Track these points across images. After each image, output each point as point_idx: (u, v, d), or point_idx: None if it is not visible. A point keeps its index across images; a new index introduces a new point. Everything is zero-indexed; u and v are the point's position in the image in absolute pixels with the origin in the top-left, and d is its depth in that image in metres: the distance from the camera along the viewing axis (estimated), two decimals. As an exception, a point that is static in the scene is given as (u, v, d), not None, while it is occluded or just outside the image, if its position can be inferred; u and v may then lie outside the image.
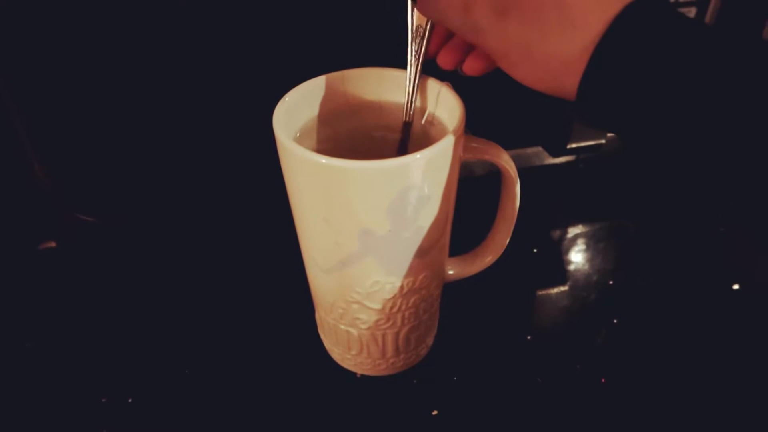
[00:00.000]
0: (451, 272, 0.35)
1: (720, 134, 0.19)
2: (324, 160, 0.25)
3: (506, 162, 0.31)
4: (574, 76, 0.22)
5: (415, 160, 0.25)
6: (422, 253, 0.29)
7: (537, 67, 0.23)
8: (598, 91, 0.21)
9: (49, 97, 0.38)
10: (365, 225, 0.27)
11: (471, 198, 0.36)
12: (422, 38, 0.29)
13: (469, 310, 0.40)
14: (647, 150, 0.22)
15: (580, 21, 0.21)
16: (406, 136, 0.31)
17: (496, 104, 0.45)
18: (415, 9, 0.29)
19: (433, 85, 0.31)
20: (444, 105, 0.30)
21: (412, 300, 0.31)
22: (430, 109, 0.31)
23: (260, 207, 0.44)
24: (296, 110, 0.30)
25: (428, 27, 0.29)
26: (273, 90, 0.30)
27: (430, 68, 0.30)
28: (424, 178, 0.26)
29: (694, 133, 0.20)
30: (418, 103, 0.32)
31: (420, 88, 0.31)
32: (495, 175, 0.32)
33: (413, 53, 0.30)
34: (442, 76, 0.30)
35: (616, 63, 0.21)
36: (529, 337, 0.39)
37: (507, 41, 0.23)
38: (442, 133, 0.29)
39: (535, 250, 0.45)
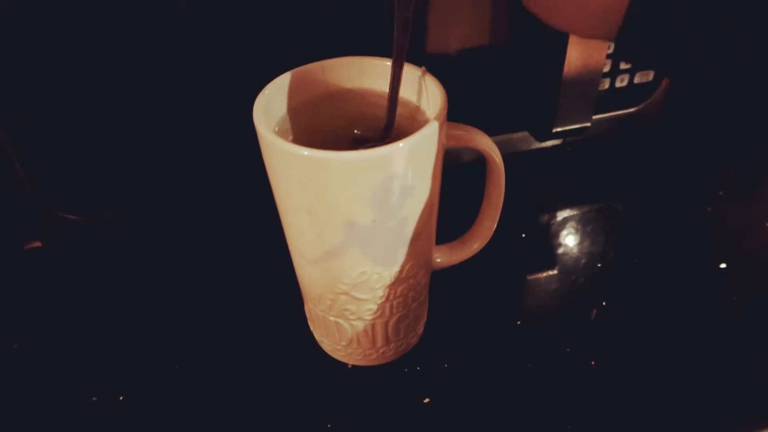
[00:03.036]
0: (438, 260, 0.35)
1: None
2: (306, 152, 0.25)
3: (490, 148, 0.31)
4: (616, 17, 0.21)
5: (398, 149, 0.25)
6: (409, 242, 0.29)
7: (580, 13, 0.22)
8: (641, 30, 0.21)
9: (27, 93, 0.38)
10: (349, 216, 0.27)
11: (458, 185, 0.36)
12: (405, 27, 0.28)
13: (458, 297, 0.40)
14: (688, 85, 0.21)
15: None
16: (390, 125, 0.31)
17: (479, 90, 0.44)
18: None
19: (413, 72, 0.30)
20: (425, 91, 0.30)
21: (400, 289, 0.31)
22: (410, 96, 0.31)
23: (246, 199, 0.44)
24: (277, 102, 0.30)
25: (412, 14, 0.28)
26: (253, 82, 0.29)
27: (411, 55, 0.30)
28: (407, 167, 0.26)
29: (741, 64, 0.19)
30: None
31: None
32: (482, 162, 0.32)
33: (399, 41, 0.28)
34: (420, 60, 0.30)
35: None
36: (518, 322, 0.39)
37: None
38: (424, 121, 0.29)
39: (523, 236, 0.46)
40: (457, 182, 0.37)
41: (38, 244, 0.46)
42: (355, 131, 0.32)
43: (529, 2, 0.24)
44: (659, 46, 0.21)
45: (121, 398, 0.35)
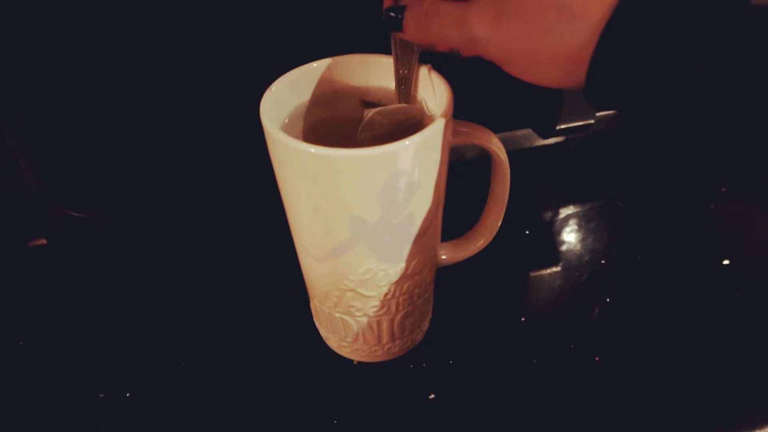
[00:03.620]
0: (444, 257, 0.35)
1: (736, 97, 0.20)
2: (312, 149, 0.25)
3: (495, 145, 0.31)
4: (582, 66, 0.22)
5: (404, 146, 0.25)
6: (414, 239, 0.29)
7: (545, 67, 0.23)
8: (606, 76, 0.22)
9: (32, 92, 0.38)
10: (356, 213, 0.27)
11: (463, 182, 0.36)
12: (411, 65, 0.29)
13: (463, 293, 0.40)
14: (654, 124, 0.23)
15: (579, 13, 0.21)
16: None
17: (483, 87, 0.44)
18: (398, 39, 0.28)
19: (419, 70, 0.30)
20: (431, 89, 0.30)
21: (405, 286, 0.32)
22: (416, 93, 0.31)
23: (252, 196, 0.44)
24: (283, 99, 0.30)
25: (417, 51, 0.29)
26: (259, 80, 0.29)
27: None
28: (413, 164, 0.26)
29: (707, 103, 0.20)
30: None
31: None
32: (486, 159, 0.32)
33: (402, 80, 0.30)
34: (424, 57, 0.30)
35: (622, 47, 0.21)
36: (523, 319, 0.39)
37: (510, 48, 0.23)
38: (430, 118, 0.29)
39: (527, 232, 0.46)
40: (461, 179, 0.37)
41: (43, 241, 0.46)
42: (363, 99, 0.32)
43: (505, 65, 0.25)
44: (620, 93, 0.22)
45: (127, 395, 0.35)
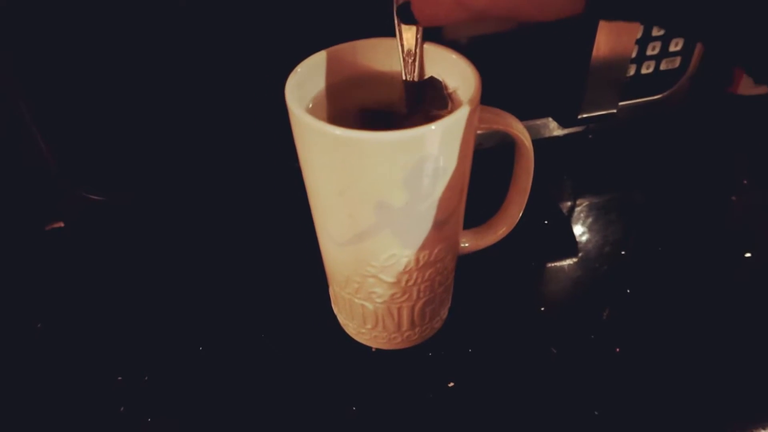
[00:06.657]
0: (465, 245, 0.35)
1: None
2: (339, 131, 0.25)
3: (521, 132, 0.30)
4: None
5: (431, 130, 0.25)
6: (438, 225, 0.29)
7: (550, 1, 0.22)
8: None
9: (51, 74, 0.38)
10: (381, 197, 0.27)
11: (482, 170, 0.36)
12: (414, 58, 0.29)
13: (482, 282, 0.40)
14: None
15: None
16: (411, 100, 0.31)
17: (505, 74, 0.44)
18: (403, 28, 0.29)
19: (446, 55, 0.30)
20: (458, 74, 0.30)
21: (427, 273, 0.31)
22: (445, 78, 0.31)
23: (272, 181, 0.44)
24: (308, 81, 0.30)
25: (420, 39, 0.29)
26: (285, 62, 0.29)
27: (437, 38, 0.30)
28: (440, 149, 0.26)
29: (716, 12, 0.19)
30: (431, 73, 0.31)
31: (433, 57, 0.30)
32: (504, 148, 0.32)
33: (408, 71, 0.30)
34: (446, 44, 0.30)
35: None
36: (542, 308, 0.39)
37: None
38: (457, 103, 0.29)
39: (546, 222, 0.45)
40: (480, 168, 0.36)
41: (60, 224, 0.46)
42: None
43: (513, 15, 0.24)
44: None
45: (146, 378, 0.36)
